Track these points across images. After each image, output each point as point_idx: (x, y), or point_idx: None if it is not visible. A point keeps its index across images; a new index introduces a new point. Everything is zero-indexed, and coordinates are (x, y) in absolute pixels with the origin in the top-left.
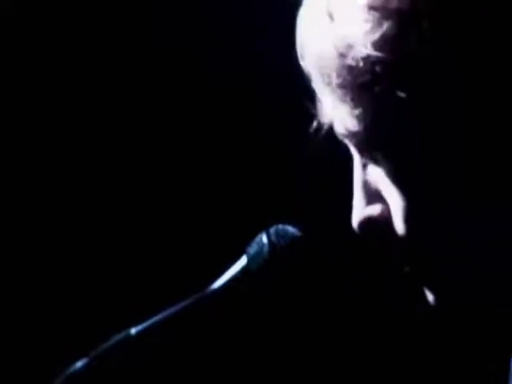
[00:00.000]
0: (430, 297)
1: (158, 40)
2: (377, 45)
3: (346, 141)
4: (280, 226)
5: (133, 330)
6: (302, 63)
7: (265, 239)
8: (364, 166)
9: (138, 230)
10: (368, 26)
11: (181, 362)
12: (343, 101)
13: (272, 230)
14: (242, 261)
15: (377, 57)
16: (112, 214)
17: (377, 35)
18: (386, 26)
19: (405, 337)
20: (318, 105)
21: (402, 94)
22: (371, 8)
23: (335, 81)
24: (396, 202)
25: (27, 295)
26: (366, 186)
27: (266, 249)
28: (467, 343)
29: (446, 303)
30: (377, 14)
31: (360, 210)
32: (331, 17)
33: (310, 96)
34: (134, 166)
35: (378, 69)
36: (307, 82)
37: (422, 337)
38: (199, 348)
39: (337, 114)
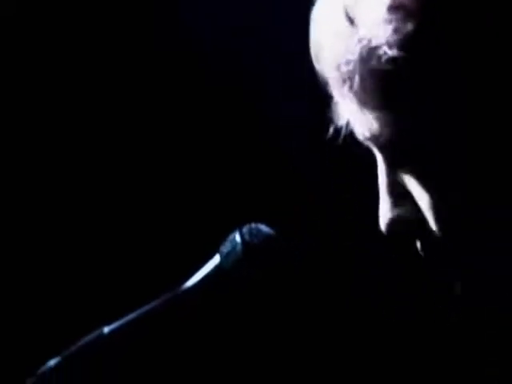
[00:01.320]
0: (463, 299)
1: (157, 40)
2: (401, 45)
3: (369, 144)
4: (253, 225)
5: (105, 329)
6: (317, 66)
7: (238, 238)
8: (389, 168)
9: (109, 227)
10: (391, 26)
11: (154, 361)
12: (366, 104)
13: (245, 229)
14: (215, 259)
15: (402, 57)
16: (85, 210)
17: (401, 35)
18: (409, 25)
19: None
20: (334, 107)
21: (427, 97)
22: (393, 8)
23: (358, 85)
24: (428, 202)
25: None
26: (392, 187)
27: (239, 247)
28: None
29: (477, 304)
30: (399, 14)
31: (388, 211)
32: (351, 20)
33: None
34: (112, 165)
35: (403, 70)
36: (314, 85)
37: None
38: (173, 347)
39: (358, 117)
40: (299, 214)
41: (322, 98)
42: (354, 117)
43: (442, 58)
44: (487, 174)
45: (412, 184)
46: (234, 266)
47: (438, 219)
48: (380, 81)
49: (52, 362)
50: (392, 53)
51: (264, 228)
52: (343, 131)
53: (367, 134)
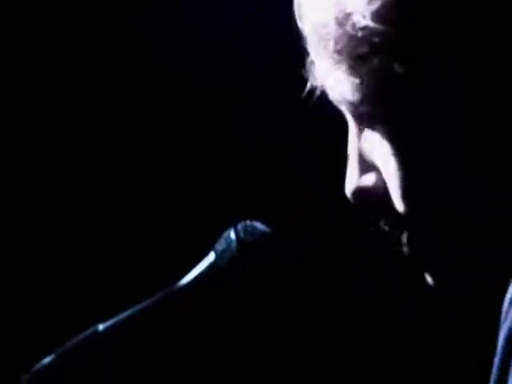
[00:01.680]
0: (429, 280)
1: (156, 41)
2: (375, 16)
3: (341, 107)
4: (248, 223)
5: (100, 327)
6: (300, 24)
7: (233, 235)
8: (359, 133)
9: (104, 227)
10: None
11: (149, 359)
12: (340, 67)
13: (240, 227)
14: (210, 257)
15: (375, 28)
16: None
17: (376, 6)
18: None
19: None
20: (312, 67)
21: (400, 70)
22: None
23: (333, 47)
24: (391, 173)
25: None
26: (361, 154)
27: (233, 245)
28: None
29: (445, 287)
30: None
31: (354, 179)
32: None
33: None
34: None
35: (376, 40)
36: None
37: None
38: (168, 345)
39: (333, 79)
40: (295, 211)
41: (320, 98)
42: (328, 78)
43: (414, 30)
44: (459, 154)
45: (378, 150)
46: (228, 264)
47: (400, 190)
48: (354, 47)
49: (47, 360)
50: (366, 22)
51: (259, 225)
52: (317, 92)
53: (339, 97)
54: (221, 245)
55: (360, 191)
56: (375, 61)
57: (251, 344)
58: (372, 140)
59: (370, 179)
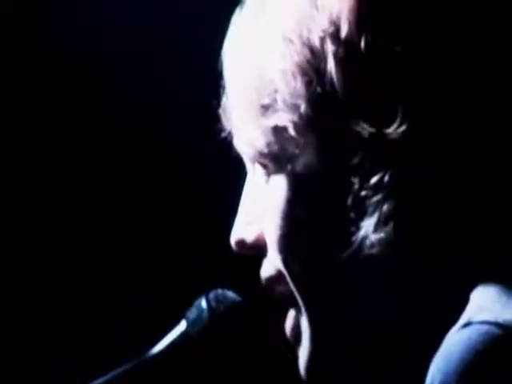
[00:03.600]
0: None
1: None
2: (282, 74)
3: (243, 152)
4: (219, 291)
5: None
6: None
7: (204, 304)
8: (254, 182)
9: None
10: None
11: None
12: (250, 114)
13: (211, 295)
14: (182, 326)
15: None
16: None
17: (285, 65)
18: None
19: None
20: (225, 109)
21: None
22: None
23: (244, 95)
24: (269, 230)
25: None
26: (251, 204)
27: (205, 314)
28: None
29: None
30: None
31: (239, 228)
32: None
33: None
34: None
35: (276, 96)
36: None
37: None
38: None
39: (242, 123)
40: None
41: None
42: (239, 120)
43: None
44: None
45: (266, 205)
46: (199, 333)
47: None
48: (258, 96)
49: None
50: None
51: (230, 294)
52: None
53: (246, 139)
54: (192, 313)
55: (241, 243)
56: (276, 113)
57: None
58: (265, 190)
59: (253, 231)
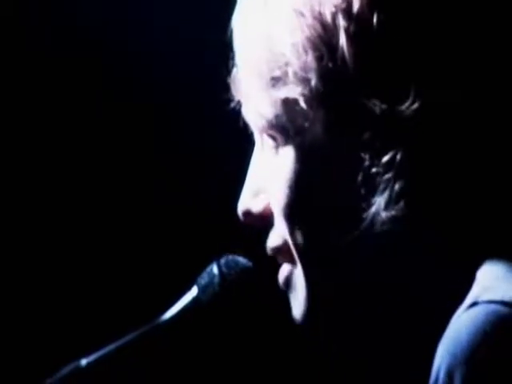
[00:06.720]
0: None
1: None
2: (292, 47)
3: (252, 124)
4: (230, 257)
5: (83, 361)
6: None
7: (215, 270)
8: (264, 154)
9: (91, 257)
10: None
11: None
12: (261, 86)
13: (222, 261)
14: (193, 291)
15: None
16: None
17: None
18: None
19: None
20: (236, 80)
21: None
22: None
23: (256, 68)
24: (277, 201)
25: None
26: (258, 176)
27: (216, 280)
28: None
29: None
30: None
31: (246, 200)
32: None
33: None
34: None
35: (288, 68)
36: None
37: None
38: (150, 380)
39: (254, 95)
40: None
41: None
42: (249, 93)
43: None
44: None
45: (274, 176)
46: (211, 299)
47: (283, 222)
48: (270, 68)
49: None
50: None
51: (241, 260)
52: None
53: (255, 111)
54: (203, 279)
55: (248, 213)
56: (287, 86)
57: (235, 374)
58: (274, 162)
59: (260, 202)
